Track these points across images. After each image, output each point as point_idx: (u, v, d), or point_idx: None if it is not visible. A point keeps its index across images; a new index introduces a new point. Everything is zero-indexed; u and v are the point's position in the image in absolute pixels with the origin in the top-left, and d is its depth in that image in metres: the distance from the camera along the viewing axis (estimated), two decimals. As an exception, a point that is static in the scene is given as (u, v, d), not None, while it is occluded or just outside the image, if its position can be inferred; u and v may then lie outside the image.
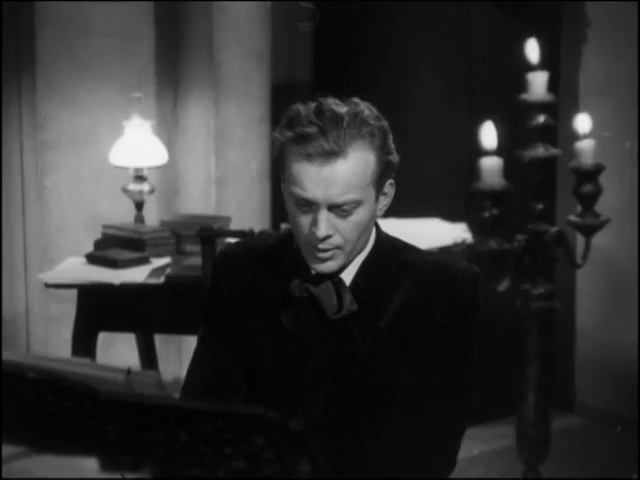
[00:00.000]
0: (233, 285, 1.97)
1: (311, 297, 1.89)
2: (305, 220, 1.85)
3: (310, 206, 1.83)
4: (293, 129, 1.81)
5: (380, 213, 1.91)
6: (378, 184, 1.86)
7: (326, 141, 1.78)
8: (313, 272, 1.91)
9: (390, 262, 1.93)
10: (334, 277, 1.90)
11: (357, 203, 1.83)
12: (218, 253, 2.05)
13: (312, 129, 1.79)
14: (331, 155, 1.79)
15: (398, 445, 1.90)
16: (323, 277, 1.90)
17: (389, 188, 1.90)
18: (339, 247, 1.86)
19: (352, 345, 1.90)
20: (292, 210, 1.87)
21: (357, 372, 1.91)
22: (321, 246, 1.84)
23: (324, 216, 1.82)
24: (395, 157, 1.88)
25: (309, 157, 1.79)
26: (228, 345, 1.99)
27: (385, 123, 1.86)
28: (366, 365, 1.90)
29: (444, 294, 1.90)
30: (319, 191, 1.80)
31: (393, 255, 1.93)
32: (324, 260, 1.86)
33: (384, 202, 1.91)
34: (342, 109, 1.82)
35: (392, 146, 1.87)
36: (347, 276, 1.92)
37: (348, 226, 1.84)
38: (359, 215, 1.84)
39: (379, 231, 1.95)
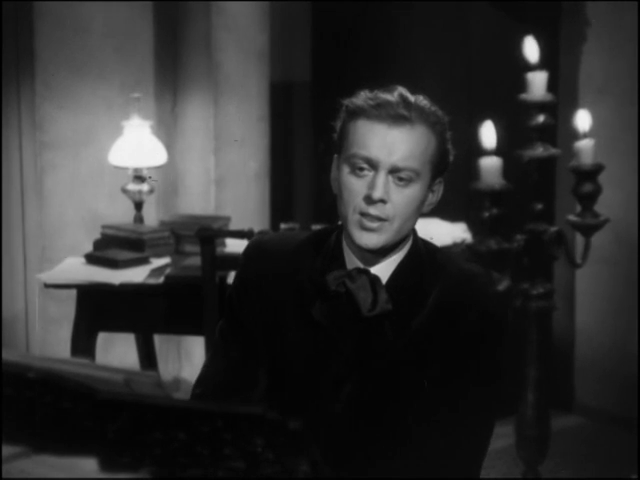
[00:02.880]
0: (264, 273, 1.98)
1: (346, 292, 1.91)
2: (360, 185, 1.87)
3: (369, 169, 1.86)
4: (369, 97, 1.88)
5: (426, 210, 1.94)
6: (433, 170, 1.91)
7: (399, 106, 1.86)
8: (349, 267, 1.93)
9: (425, 266, 1.95)
10: (370, 274, 1.91)
11: (415, 174, 1.87)
12: (250, 242, 2.05)
13: (389, 97, 1.87)
14: (402, 119, 1.85)
15: (415, 447, 1.92)
16: (360, 272, 1.91)
17: (438, 186, 1.95)
18: (387, 220, 1.87)
19: (383, 343, 1.92)
20: (346, 178, 1.88)
21: (384, 370, 1.92)
22: (372, 211, 1.85)
23: (382, 178, 1.85)
24: (451, 153, 1.93)
25: (380, 118, 1.85)
26: (249, 337, 1.98)
27: (446, 118, 1.93)
28: (394, 364, 1.92)
29: (476, 303, 1.93)
30: (383, 152, 1.85)
31: (427, 258, 1.96)
32: (370, 230, 1.87)
33: (432, 199, 1.94)
34: (409, 94, 1.90)
35: (450, 143, 1.93)
36: (384, 274, 1.93)
37: (402, 199, 1.87)
38: (413, 191, 1.87)
39: (415, 233, 1.98)
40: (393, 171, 1.86)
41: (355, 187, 1.87)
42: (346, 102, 1.91)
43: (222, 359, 2.01)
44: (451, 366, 1.92)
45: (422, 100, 1.90)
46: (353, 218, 1.88)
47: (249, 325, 1.98)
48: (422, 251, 1.97)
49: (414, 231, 1.97)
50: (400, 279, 1.93)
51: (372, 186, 1.85)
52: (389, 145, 1.85)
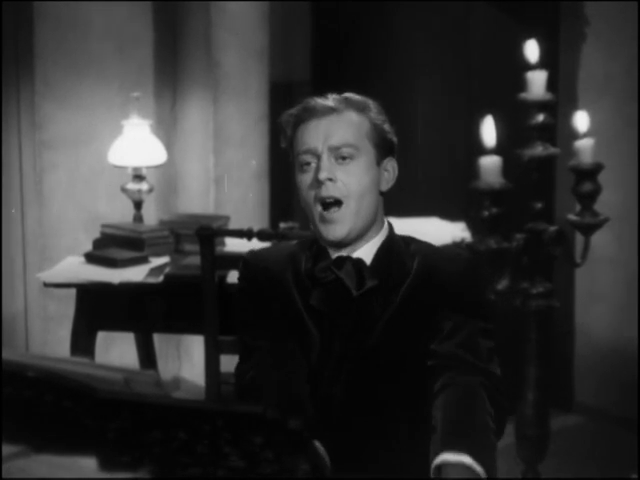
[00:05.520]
0: (263, 276, 2.14)
1: (336, 278, 2.08)
2: (309, 177, 2.06)
3: (313, 160, 2.05)
4: (298, 106, 2.10)
5: (384, 188, 2.11)
6: (376, 148, 2.09)
7: (324, 101, 2.09)
8: (334, 257, 2.10)
9: (401, 248, 2.13)
10: (353, 258, 2.09)
11: (354, 149, 2.05)
12: (247, 253, 2.22)
13: (315, 100, 2.10)
14: (329, 110, 2.07)
15: (412, 416, 2.04)
16: (344, 259, 2.09)
17: (392, 164, 2.13)
18: (342, 201, 2.04)
19: (372, 317, 2.07)
20: (299, 179, 2.08)
21: (376, 342, 2.06)
22: (324, 192, 2.03)
23: (325, 160, 2.04)
24: (391, 133, 2.11)
25: (312, 115, 2.07)
26: (270, 333, 2.12)
27: (377, 105, 2.12)
28: (384, 335, 2.06)
29: (452, 276, 2.08)
30: (319, 139, 2.05)
31: (403, 243, 2.15)
32: (331, 222, 2.04)
33: (388, 177, 2.12)
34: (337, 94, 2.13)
35: (389, 124, 2.11)
36: (367, 257, 2.10)
37: (348, 176, 2.05)
38: (357, 167, 2.06)
39: (390, 224, 2.16)
40: (332, 151, 2.05)
41: (306, 180, 2.06)
42: (281, 120, 2.11)
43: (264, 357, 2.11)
44: (436, 331, 2.04)
45: (352, 95, 2.11)
46: (316, 213, 2.05)
47: (264, 323, 2.13)
48: (397, 239, 2.15)
49: (389, 224, 2.15)
50: (382, 258, 2.10)
51: (317, 170, 2.04)
52: (322, 132, 2.05)
